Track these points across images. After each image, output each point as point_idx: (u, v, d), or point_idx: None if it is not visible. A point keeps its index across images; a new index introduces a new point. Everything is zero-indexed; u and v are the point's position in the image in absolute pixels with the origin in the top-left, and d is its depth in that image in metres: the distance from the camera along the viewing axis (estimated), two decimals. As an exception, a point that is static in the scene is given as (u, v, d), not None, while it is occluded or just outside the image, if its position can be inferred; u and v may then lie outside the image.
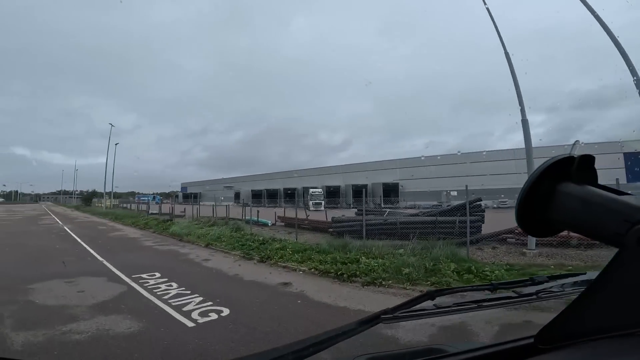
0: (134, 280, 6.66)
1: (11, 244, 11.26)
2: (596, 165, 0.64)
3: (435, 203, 41.64)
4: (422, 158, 47.31)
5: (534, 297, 0.97)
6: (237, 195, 69.35)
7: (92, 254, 9.75)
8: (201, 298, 5.60)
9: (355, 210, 17.77)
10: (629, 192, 0.60)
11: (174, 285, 6.36)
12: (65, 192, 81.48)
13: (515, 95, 9.68)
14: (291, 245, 9.96)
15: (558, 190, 0.61)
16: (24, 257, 8.75)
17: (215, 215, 17.36)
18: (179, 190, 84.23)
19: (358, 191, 54.85)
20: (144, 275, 6.98)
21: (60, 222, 21.65)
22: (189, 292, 5.94)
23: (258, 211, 21.45)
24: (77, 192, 69.57)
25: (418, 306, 0.90)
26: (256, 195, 64.98)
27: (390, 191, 52.16)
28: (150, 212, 27.03)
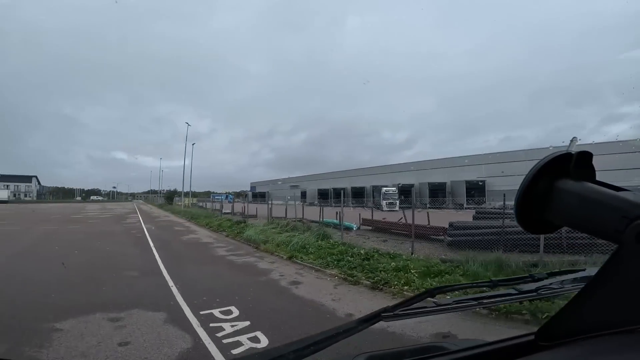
0: (203, 322, 4.28)
1: (81, 248, 10.26)
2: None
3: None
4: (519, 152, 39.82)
5: (534, 294, 0.95)
6: (303, 195, 68.94)
7: (158, 266, 7.94)
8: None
9: (474, 213, 13.91)
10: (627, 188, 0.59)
11: (262, 339, 3.80)
12: (154, 192, 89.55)
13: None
14: (412, 263, 6.88)
15: (556, 187, 0.60)
16: (82, 270, 7.22)
17: (294, 216, 15.14)
18: (249, 189, 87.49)
19: (434, 190, 49.47)
20: (216, 313, 4.60)
21: (142, 220, 21.86)
22: None
23: (337, 212, 18.87)
24: (163, 191, 75.88)
25: (418, 304, 0.88)
26: (322, 195, 63.47)
27: (474, 190, 45.76)
28: (223, 211, 26.59)
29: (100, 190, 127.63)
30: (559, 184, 0.60)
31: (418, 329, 3.69)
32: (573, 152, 0.61)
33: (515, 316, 4.26)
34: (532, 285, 0.96)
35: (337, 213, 18.53)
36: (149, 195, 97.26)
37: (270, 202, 25.31)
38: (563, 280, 0.99)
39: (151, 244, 11.25)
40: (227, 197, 65.65)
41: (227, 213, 25.75)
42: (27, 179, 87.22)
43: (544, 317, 3.59)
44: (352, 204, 45.01)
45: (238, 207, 30.35)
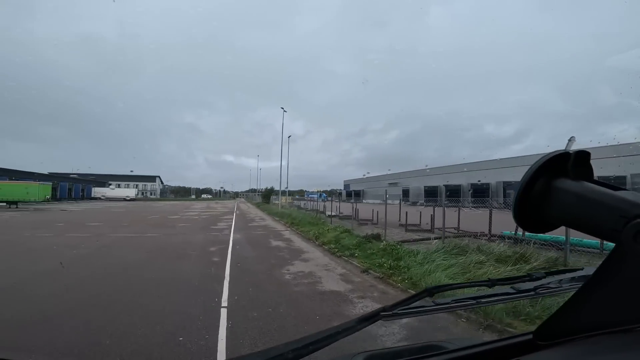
0: None
1: (113, 292, 4.79)
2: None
3: None
4: None
5: (532, 293, 0.96)
6: (405, 193, 60.17)
7: None
8: None
9: None
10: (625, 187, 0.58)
11: None
12: (253, 190, 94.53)
13: None
14: None
15: (554, 187, 0.60)
16: None
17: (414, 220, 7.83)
18: (341, 188, 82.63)
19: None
20: None
21: (233, 226, 17.38)
22: None
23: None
24: (261, 190, 77.65)
25: (417, 303, 0.87)
26: (430, 193, 54.06)
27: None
28: (327, 213, 20.93)
29: (211, 189, 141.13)
30: (557, 183, 0.60)
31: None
32: (571, 152, 0.60)
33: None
34: (530, 285, 0.96)
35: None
36: (249, 194, 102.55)
37: (400, 203, 19.04)
38: (561, 280, 0.99)
39: (225, 292, 5.30)
40: (320, 195, 61.78)
41: (334, 216, 19.85)
42: (152, 178, 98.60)
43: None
44: (470, 203, 34.96)
45: (345, 208, 24.48)
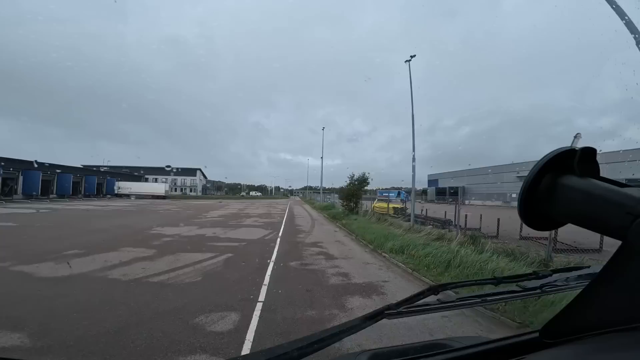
0: None
1: None
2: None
3: None
4: None
5: (539, 291, 0.93)
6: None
7: None
8: None
9: None
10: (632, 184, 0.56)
11: None
12: (310, 188, 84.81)
13: None
14: None
15: (560, 184, 0.59)
16: None
17: None
18: (410, 185, 63.66)
19: None
20: None
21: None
22: None
23: None
24: (324, 188, 64.97)
25: (422, 301, 0.84)
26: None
27: None
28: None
29: (266, 187, 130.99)
30: (563, 180, 0.58)
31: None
32: (577, 148, 0.59)
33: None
34: (537, 283, 0.93)
35: None
36: (305, 191, 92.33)
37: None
38: (567, 278, 0.95)
39: None
40: (398, 194, 45.32)
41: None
42: (192, 172, 78.80)
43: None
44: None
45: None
